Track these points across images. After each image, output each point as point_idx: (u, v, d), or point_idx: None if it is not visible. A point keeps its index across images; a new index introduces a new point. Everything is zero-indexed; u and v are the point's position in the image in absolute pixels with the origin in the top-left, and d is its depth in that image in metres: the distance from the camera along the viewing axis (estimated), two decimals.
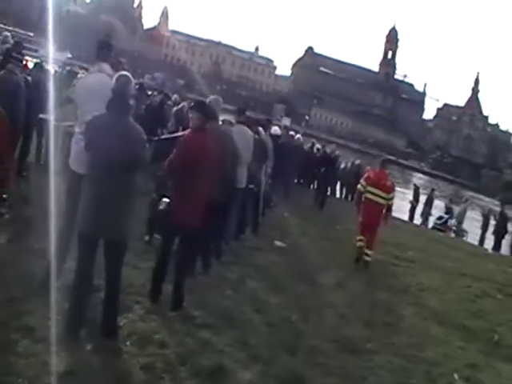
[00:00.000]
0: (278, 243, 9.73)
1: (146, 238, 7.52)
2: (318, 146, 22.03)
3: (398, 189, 27.92)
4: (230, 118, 8.28)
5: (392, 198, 10.64)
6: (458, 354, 6.73)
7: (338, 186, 22.30)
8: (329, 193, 19.16)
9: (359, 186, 10.67)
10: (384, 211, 10.43)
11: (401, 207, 24.18)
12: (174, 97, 17.03)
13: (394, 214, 23.63)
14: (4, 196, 6.84)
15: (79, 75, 10.73)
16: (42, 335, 4.37)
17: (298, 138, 17.49)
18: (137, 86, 15.04)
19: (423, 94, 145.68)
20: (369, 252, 10.08)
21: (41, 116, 9.63)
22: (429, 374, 5.85)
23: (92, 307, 4.80)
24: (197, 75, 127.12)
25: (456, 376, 5.98)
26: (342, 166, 22.81)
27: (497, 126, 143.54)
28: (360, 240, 10.20)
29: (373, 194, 10.22)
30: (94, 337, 4.56)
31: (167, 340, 4.82)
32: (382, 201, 10.23)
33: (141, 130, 4.76)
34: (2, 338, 4.21)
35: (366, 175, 10.99)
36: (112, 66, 5.78)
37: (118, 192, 4.56)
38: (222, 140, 6.67)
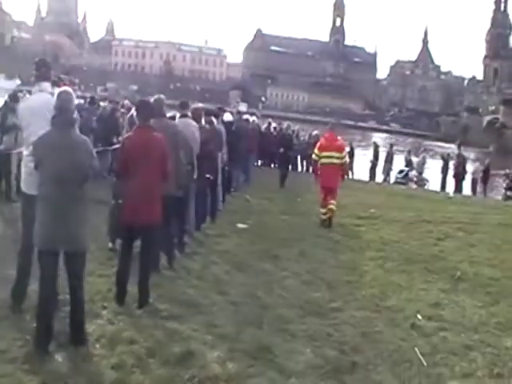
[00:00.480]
0: (240, 225, 9.98)
1: (110, 245, 7.69)
2: (273, 125, 22.36)
3: (360, 151, 28.63)
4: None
5: (345, 156, 11.69)
6: (420, 296, 7.06)
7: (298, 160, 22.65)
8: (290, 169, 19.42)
9: (313, 155, 11.55)
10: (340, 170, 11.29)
11: (363, 168, 24.69)
12: (125, 102, 17.14)
13: (356, 175, 24.25)
14: None
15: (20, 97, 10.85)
16: (13, 356, 4.54)
17: (253, 121, 17.75)
18: (88, 100, 15.12)
19: (375, 55, 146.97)
20: (332, 201, 10.87)
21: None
22: (392, 320, 6.16)
23: (59, 320, 4.99)
24: (149, 77, 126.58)
25: (419, 316, 6.29)
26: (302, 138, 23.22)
27: (450, 73, 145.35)
28: (323, 213, 10.91)
29: (327, 157, 11.02)
30: (64, 348, 4.74)
31: (135, 337, 5.02)
32: (336, 161, 11.05)
33: (86, 139, 4.93)
34: None
35: (318, 144, 11.73)
36: (53, 83, 5.95)
37: (71, 204, 4.71)
38: (169, 134, 6.92)
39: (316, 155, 11.29)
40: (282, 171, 17.25)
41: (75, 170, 4.70)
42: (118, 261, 6.02)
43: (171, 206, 6.73)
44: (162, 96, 7.40)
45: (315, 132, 22.82)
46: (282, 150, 17.51)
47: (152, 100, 7.15)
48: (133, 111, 15.24)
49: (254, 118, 18.35)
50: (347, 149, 15.26)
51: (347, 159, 12.20)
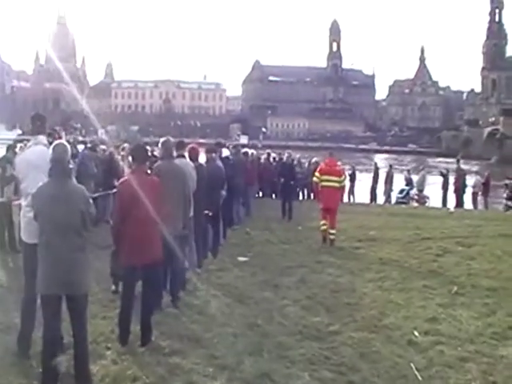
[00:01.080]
0: (240, 258, 10.17)
1: (113, 288, 7.91)
2: (273, 155, 22.65)
3: (363, 174, 28.80)
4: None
5: (344, 180, 13.25)
6: (418, 313, 7.23)
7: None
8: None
9: (314, 178, 12.64)
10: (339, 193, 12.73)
11: (365, 191, 24.90)
12: (125, 145, 17.45)
13: (358, 199, 24.47)
14: None
15: (17, 150, 11.17)
16: None
17: (252, 154, 18.04)
18: (88, 145, 15.37)
19: (373, 77, 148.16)
20: (332, 231, 11.88)
21: (0, 200, 10.03)
22: (389, 338, 6.33)
23: (64, 362, 5.19)
24: (149, 117, 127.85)
25: (416, 333, 6.46)
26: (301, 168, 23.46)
27: (448, 88, 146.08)
28: (323, 224, 12.02)
29: (327, 181, 12.11)
30: None
31: (138, 374, 5.21)
32: (336, 184, 12.22)
33: (82, 188, 5.19)
34: None
35: (318, 168, 12.84)
36: (48, 135, 6.25)
37: (71, 251, 4.93)
38: (179, 175, 7.34)
39: (317, 178, 12.34)
40: (283, 202, 16.47)
41: (73, 218, 4.94)
42: (121, 302, 6.21)
43: (170, 245, 6.98)
44: (171, 138, 7.75)
45: (315, 159, 23.09)
46: (282, 180, 16.94)
47: (161, 142, 7.55)
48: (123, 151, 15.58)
49: (252, 151, 18.67)
50: (347, 173, 17.83)
51: (345, 183, 13.93)
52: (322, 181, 12.16)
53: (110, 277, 7.92)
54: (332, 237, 11.78)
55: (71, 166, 5.40)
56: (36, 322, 5.62)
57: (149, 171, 6.79)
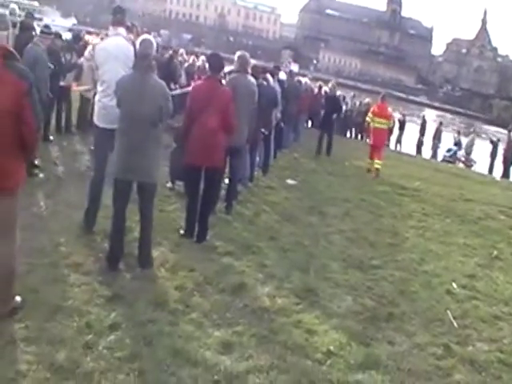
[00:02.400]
0: (289, 181, 10.42)
1: (169, 184, 8.24)
2: (325, 88, 22.42)
3: (411, 125, 28.55)
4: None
5: (392, 122, 15.73)
6: (457, 266, 7.43)
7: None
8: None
9: (367, 118, 14.47)
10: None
11: (411, 142, 24.80)
12: (181, 51, 17.51)
13: (404, 149, 24.41)
14: (35, 162, 7.68)
15: (93, 40, 11.31)
16: (88, 269, 5.11)
17: (306, 82, 17.94)
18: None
19: (431, 30, 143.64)
20: (378, 161, 13.32)
21: (61, 84, 10.27)
22: (428, 283, 6.56)
23: (128, 244, 5.53)
24: (203, 28, 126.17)
25: (454, 284, 6.66)
26: (349, 106, 23.36)
27: (507, 57, 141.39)
28: (369, 163, 13.66)
29: (378, 122, 13.62)
30: (132, 268, 5.29)
31: (195, 266, 5.55)
32: (384, 126, 13.90)
33: (163, 84, 5.39)
34: (56, 274, 4.92)
35: (371, 110, 14.59)
36: (127, 28, 6.41)
37: (147, 140, 5.18)
38: (250, 90, 7.56)
39: (370, 118, 13.99)
40: (321, 134, 15.51)
41: (152, 111, 5.14)
42: (187, 199, 6.56)
43: (231, 154, 7.23)
44: (247, 53, 7.83)
45: (366, 100, 22.94)
46: (323, 112, 16.16)
47: (237, 56, 7.65)
48: (190, 61, 15.68)
49: (306, 79, 18.53)
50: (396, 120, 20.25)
51: (392, 125, 16.59)
52: (374, 122, 13.67)
53: (168, 174, 8.22)
54: (378, 166, 13.19)
55: (154, 63, 5.54)
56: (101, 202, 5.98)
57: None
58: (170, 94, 5.56)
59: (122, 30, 6.06)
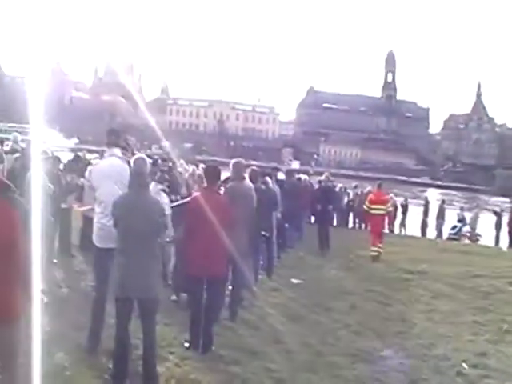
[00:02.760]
0: (294, 280, 10.49)
1: (174, 297, 8.33)
2: (319, 179, 22.83)
3: (414, 207, 28.76)
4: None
5: (388, 207, 15.97)
6: (467, 346, 7.40)
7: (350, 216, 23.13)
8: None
9: (365, 206, 15.23)
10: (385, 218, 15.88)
11: (415, 224, 24.89)
12: (181, 161, 17.99)
13: (409, 231, 24.49)
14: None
15: (92, 161, 11.73)
16: None
17: (305, 179, 18.29)
18: (151, 161, 15.89)
19: (427, 110, 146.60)
20: (380, 245, 14.13)
21: (63, 206, 10.60)
22: (438, 367, 6.53)
23: (133, 362, 5.60)
24: (203, 136, 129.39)
25: (465, 365, 6.65)
26: (351, 196, 23.74)
27: (504, 125, 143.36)
28: (372, 250, 13.97)
29: (376, 209, 14.50)
30: None
31: (201, 378, 5.57)
32: (382, 212, 14.72)
33: (158, 201, 5.68)
34: None
35: (368, 198, 15.53)
36: (122, 148, 6.74)
37: (145, 257, 5.32)
38: (248, 196, 7.81)
39: (367, 207, 14.86)
40: (319, 229, 15.10)
41: (150, 228, 5.33)
42: (190, 311, 6.61)
43: (231, 260, 7.37)
44: (242, 160, 8.14)
45: (368, 188, 23.24)
46: (319, 206, 15.39)
47: (232, 163, 7.94)
48: (191, 170, 16.12)
49: (305, 176, 18.92)
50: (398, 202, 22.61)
51: (390, 209, 17.20)
52: (372, 209, 14.56)
53: (171, 287, 8.34)
54: (379, 250, 14.03)
55: (148, 180, 5.81)
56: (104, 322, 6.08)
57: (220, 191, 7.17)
58: (165, 209, 5.77)
59: (116, 151, 6.33)
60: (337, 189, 24.19)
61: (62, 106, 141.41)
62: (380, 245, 14.09)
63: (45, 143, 11.88)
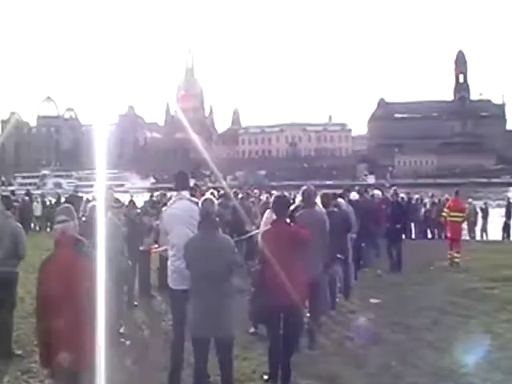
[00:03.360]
0: (372, 300, 10.39)
1: (252, 329, 8.42)
2: (401, 195, 22.42)
3: (496, 210, 27.91)
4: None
5: (466, 214, 16.97)
6: None
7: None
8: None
9: (444, 213, 15.99)
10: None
11: (496, 228, 24.09)
12: (255, 191, 18.34)
13: (491, 236, 23.71)
14: (121, 330, 8.16)
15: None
16: None
17: (378, 195, 18.08)
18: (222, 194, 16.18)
19: (503, 106, 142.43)
20: (457, 255, 14.53)
21: (141, 248, 10.96)
22: None
23: None
24: (276, 161, 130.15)
25: None
26: (428, 206, 23.32)
27: None
28: (450, 254, 14.62)
29: (454, 216, 15.18)
30: None
31: None
32: (459, 219, 15.52)
33: (228, 239, 5.78)
34: None
35: (447, 205, 16.50)
36: (191, 189, 6.96)
37: (219, 297, 5.46)
38: (320, 221, 7.82)
39: (446, 213, 15.58)
40: (388, 248, 14.39)
41: (221, 267, 5.47)
42: (270, 342, 6.62)
43: (309, 287, 7.37)
44: (312, 187, 8.22)
45: (445, 196, 22.77)
46: (387, 225, 14.59)
47: (302, 190, 8.03)
48: (264, 198, 16.22)
49: (378, 192, 18.71)
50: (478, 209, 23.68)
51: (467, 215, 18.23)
52: (450, 216, 15.21)
53: (248, 319, 8.43)
54: (457, 260, 14.38)
55: (217, 220, 5.94)
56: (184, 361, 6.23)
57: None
58: (235, 247, 5.83)
59: (185, 193, 6.55)
60: (413, 201, 23.93)
61: (137, 148, 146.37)
62: (457, 254, 14.49)
63: (122, 187, 12.36)
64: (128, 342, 8.14)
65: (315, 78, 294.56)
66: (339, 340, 8.06)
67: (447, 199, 21.68)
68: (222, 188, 17.20)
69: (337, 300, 10.00)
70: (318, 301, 8.06)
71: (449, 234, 15.49)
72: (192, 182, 8.98)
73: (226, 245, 5.63)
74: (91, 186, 13.42)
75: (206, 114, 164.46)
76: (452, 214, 15.11)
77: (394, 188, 16.38)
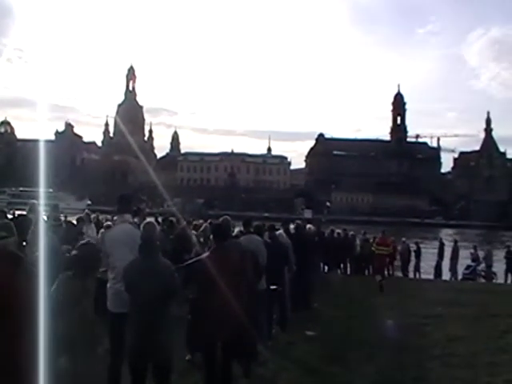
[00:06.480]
0: (308, 333, 10.47)
1: (188, 357, 8.35)
2: (337, 230, 22.79)
3: (429, 250, 28.68)
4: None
5: (390, 249, 21.14)
6: None
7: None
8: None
9: (373, 248, 20.25)
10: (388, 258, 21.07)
11: (429, 267, 24.80)
12: (199, 222, 18.23)
13: (424, 275, 24.37)
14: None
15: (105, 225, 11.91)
16: None
17: (309, 228, 18.22)
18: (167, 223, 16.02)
19: (438, 149, 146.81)
20: (383, 281, 17.35)
21: None
22: None
23: None
24: (214, 190, 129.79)
25: None
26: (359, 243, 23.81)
27: None
28: (377, 279, 17.57)
29: (380, 249, 19.06)
30: None
31: None
32: (385, 252, 19.50)
33: (169, 263, 5.70)
34: None
35: (376, 241, 20.40)
36: (134, 213, 6.91)
37: (157, 321, 5.41)
38: (240, 253, 7.71)
39: (374, 247, 19.72)
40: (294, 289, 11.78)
41: (160, 292, 5.43)
42: (205, 372, 6.63)
43: (244, 318, 7.39)
44: (228, 218, 8.25)
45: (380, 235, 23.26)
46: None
47: (219, 221, 8.03)
48: (202, 228, 16.14)
49: (309, 225, 18.91)
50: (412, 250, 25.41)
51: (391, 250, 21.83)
52: (378, 250, 19.06)
53: (185, 346, 8.36)
54: (382, 281, 17.24)
55: (158, 244, 5.93)
56: None
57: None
58: (175, 272, 5.81)
59: (127, 217, 6.54)
60: (349, 236, 24.37)
61: (73, 168, 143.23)
62: (382, 279, 17.53)
63: (56, 207, 12.03)
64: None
65: (256, 107, 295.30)
66: (276, 370, 8.07)
67: (375, 237, 22.47)
68: (172, 214, 17.04)
69: (273, 331, 10.03)
70: (253, 331, 8.08)
71: (376, 265, 19.65)
72: (135, 206, 8.96)
73: (165, 269, 5.60)
74: (24, 203, 12.97)
75: (146, 138, 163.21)
76: (379, 248, 19.10)
77: (297, 222, 13.74)
